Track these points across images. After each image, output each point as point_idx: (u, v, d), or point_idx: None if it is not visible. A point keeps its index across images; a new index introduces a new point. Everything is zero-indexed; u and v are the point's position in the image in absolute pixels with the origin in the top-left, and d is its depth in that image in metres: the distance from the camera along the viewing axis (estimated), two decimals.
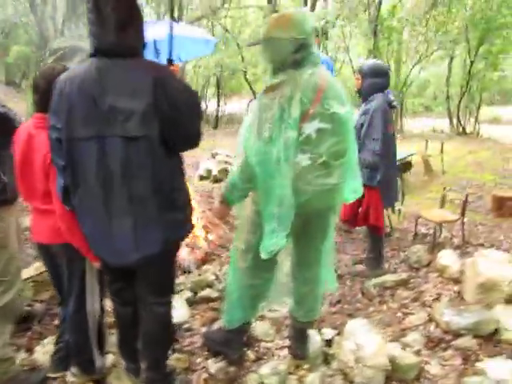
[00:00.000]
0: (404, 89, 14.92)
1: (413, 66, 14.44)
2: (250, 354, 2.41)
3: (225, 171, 6.94)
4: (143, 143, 1.56)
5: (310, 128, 1.83)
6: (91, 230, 1.70)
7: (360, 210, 3.28)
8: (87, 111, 1.55)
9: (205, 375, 2.24)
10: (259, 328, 2.55)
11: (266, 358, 2.41)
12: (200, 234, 3.55)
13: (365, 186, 3.08)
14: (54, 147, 1.65)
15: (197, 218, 3.73)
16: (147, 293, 1.85)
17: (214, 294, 2.89)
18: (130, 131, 1.53)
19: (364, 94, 3.28)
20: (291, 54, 1.82)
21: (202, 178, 7.30)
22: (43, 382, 2.19)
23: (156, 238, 1.67)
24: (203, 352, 2.42)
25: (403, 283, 3.34)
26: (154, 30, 4.16)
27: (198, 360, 2.36)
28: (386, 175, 3.19)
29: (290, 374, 2.25)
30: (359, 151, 3.13)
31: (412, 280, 3.41)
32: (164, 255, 1.74)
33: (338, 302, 3.16)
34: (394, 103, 3.27)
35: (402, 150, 6.50)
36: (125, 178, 1.59)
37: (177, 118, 1.59)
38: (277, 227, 1.83)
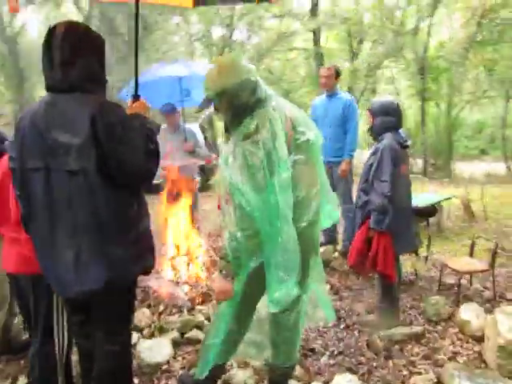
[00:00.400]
0: (455, 131, 14.39)
1: (462, 107, 13.94)
2: None
3: None
4: (82, 177, 1.58)
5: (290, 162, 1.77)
6: (41, 258, 1.70)
7: (369, 254, 3.06)
8: (35, 144, 1.61)
9: None
10: (239, 375, 2.37)
11: None
12: (201, 275, 3.46)
13: (373, 229, 2.92)
14: (12, 177, 1.69)
15: (200, 257, 3.67)
16: (97, 328, 1.78)
17: (201, 336, 2.75)
18: (69, 165, 1.57)
19: (374, 133, 3.14)
20: (252, 95, 1.76)
21: None
22: None
23: (98, 274, 1.62)
24: None
25: (416, 337, 3.02)
26: (185, 68, 4.39)
27: None
28: (396, 219, 2.98)
29: None
30: (368, 193, 2.99)
31: (427, 335, 3.09)
32: (112, 293, 1.68)
33: (340, 353, 2.91)
34: (407, 142, 3.09)
35: (435, 194, 6.18)
36: (68, 210, 1.60)
37: (114, 152, 1.59)
38: (284, 276, 1.71)
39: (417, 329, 3.10)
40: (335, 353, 2.91)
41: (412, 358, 2.80)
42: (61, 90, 1.63)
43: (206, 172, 10.23)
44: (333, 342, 3.05)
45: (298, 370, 2.49)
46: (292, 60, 17.03)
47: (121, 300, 1.79)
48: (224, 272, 1.79)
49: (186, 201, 3.99)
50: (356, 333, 3.18)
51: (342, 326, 3.28)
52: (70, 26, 1.66)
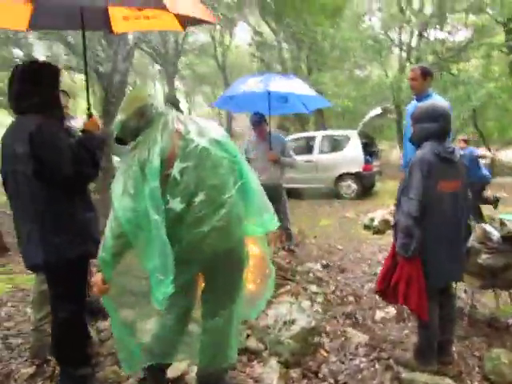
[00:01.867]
0: None
1: None
2: None
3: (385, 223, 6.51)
4: (24, 177, 2.10)
5: (175, 170, 1.89)
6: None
7: (390, 283, 2.65)
8: (5, 152, 2.20)
9: None
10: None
11: None
12: None
13: (399, 255, 2.55)
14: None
15: None
16: (51, 296, 2.26)
17: None
18: (19, 168, 2.11)
19: (414, 143, 2.69)
20: (140, 120, 1.99)
21: (365, 227, 7.02)
22: None
23: (37, 255, 2.14)
24: None
25: None
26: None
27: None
28: (431, 246, 2.51)
29: None
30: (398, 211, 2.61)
31: None
32: (52, 271, 2.21)
33: None
34: (450, 155, 2.53)
35: None
36: (18, 203, 2.17)
37: (45, 161, 2.06)
38: (160, 277, 1.85)
39: (449, 381, 2.53)
40: None
41: None
42: (17, 113, 2.21)
43: None
44: (348, 372, 2.77)
45: None
46: None
47: (63, 277, 2.22)
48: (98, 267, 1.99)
49: None
50: (382, 368, 2.80)
51: (372, 356, 2.93)
52: (23, 67, 2.20)
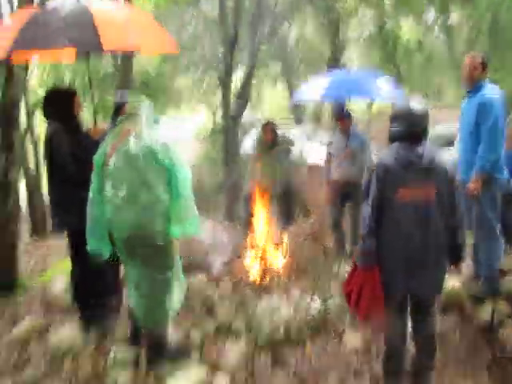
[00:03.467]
0: None
1: None
2: None
3: None
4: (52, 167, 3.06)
5: (111, 163, 2.44)
6: None
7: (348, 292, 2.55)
8: None
9: None
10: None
11: None
12: None
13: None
14: None
15: None
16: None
17: None
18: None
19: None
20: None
21: None
22: None
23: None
24: None
25: None
26: None
27: None
28: (385, 254, 2.38)
29: None
30: None
31: None
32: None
33: None
34: (415, 160, 2.28)
35: None
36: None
37: (52, 156, 2.95)
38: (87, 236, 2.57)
39: None
40: None
41: None
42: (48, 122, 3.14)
43: None
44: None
45: None
46: None
47: None
48: None
49: None
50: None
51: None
52: (51, 91, 3.17)
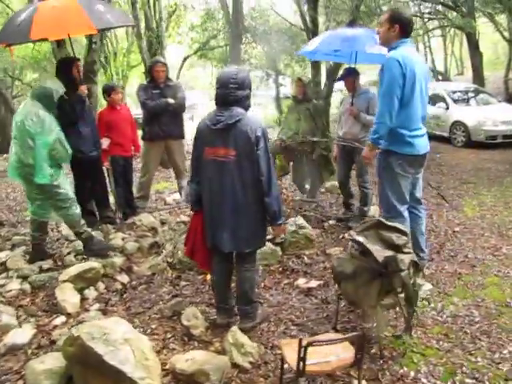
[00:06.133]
0: None
1: None
2: None
3: None
4: None
5: None
6: None
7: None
8: None
9: None
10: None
11: None
12: None
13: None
14: None
15: None
16: None
17: None
18: None
19: None
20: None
21: None
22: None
23: None
24: None
25: None
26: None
27: None
28: (203, 206, 2.77)
29: None
30: None
31: None
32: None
33: None
34: (215, 121, 2.58)
35: None
36: None
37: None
38: None
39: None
40: None
41: None
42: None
43: None
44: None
45: None
46: None
47: None
48: None
49: None
50: None
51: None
52: (58, 61, 3.86)
